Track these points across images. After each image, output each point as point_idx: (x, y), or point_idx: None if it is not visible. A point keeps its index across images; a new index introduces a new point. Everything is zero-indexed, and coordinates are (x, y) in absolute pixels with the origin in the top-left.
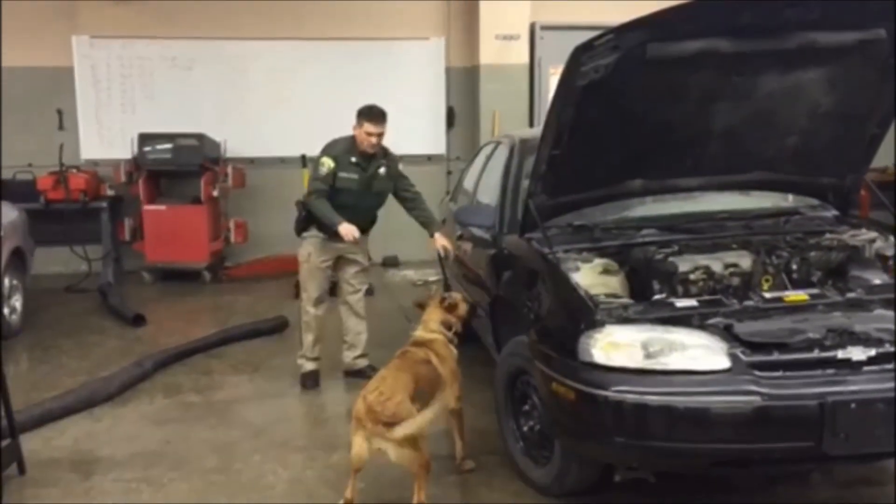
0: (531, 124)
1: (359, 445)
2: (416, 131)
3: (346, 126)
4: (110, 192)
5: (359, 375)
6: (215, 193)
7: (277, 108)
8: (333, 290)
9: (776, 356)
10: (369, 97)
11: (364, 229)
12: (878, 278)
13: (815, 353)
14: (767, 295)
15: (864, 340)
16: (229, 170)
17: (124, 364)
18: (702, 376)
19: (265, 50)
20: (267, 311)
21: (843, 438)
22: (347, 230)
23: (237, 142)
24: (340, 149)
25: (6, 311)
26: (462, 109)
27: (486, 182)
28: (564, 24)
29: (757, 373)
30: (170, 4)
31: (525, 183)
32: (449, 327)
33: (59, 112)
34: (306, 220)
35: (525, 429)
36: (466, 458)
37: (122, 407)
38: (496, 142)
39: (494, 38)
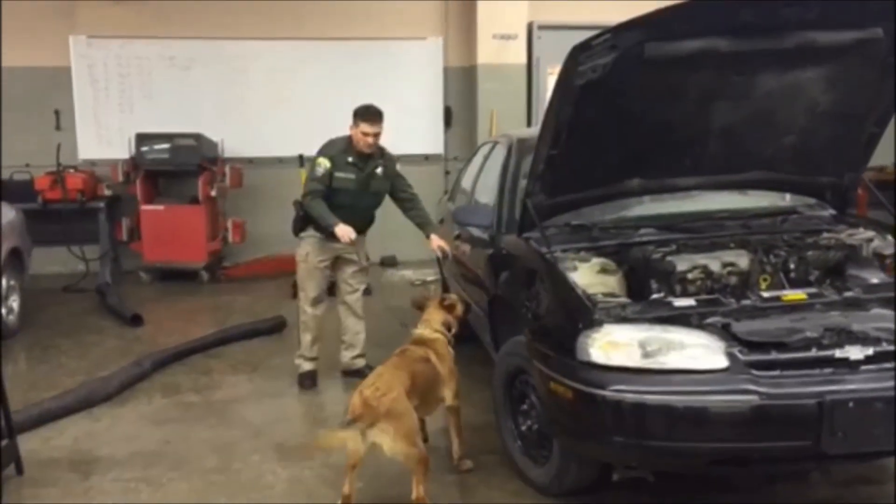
0: (529, 124)
1: (353, 438)
2: (413, 131)
3: (343, 126)
4: (108, 192)
5: (357, 375)
6: (213, 193)
7: (275, 107)
8: (331, 289)
9: (774, 355)
10: (367, 97)
11: (361, 229)
12: (875, 277)
13: (813, 353)
14: (765, 294)
15: (862, 339)
16: (227, 170)
17: (123, 364)
18: (700, 375)
19: (263, 50)
20: (265, 311)
21: (841, 437)
22: (344, 232)
23: (235, 141)
24: (337, 149)
25: (4, 311)
26: (460, 109)
27: (483, 182)
28: (562, 23)
29: (755, 372)
30: (168, 4)
31: (523, 183)
32: (449, 328)
33: (57, 112)
34: (304, 220)
35: (523, 428)
36: (464, 457)
37: (120, 407)
38: (494, 141)
39: (492, 37)
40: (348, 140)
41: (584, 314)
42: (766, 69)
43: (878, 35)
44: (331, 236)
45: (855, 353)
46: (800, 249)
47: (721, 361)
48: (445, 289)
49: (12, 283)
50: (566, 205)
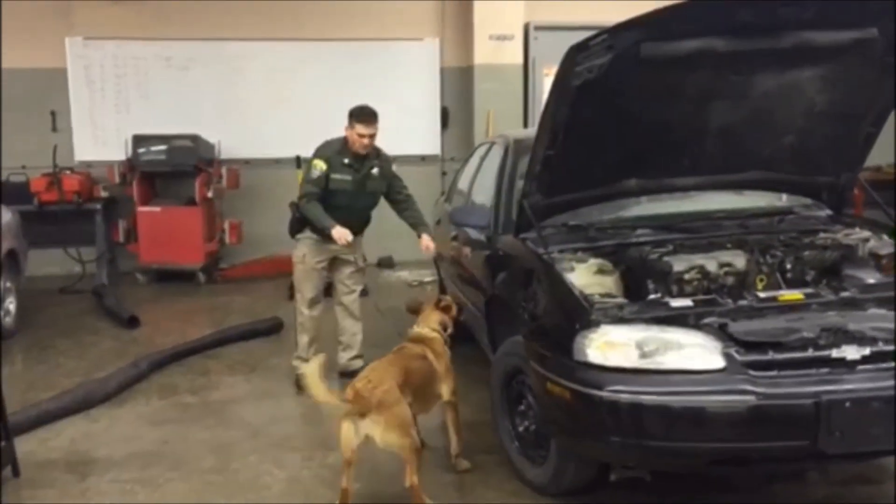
0: (525, 125)
1: (346, 430)
2: (410, 132)
3: (340, 127)
4: (104, 194)
5: (354, 376)
6: (210, 194)
7: (272, 108)
8: (328, 290)
9: (771, 355)
10: (364, 98)
11: (358, 230)
12: (871, 277)
13: (810, 353)
14: (762, 294)
15: (859, 339)
16: (224, 171)
17: (120, 365)
18: (697, 376)
19: (259, 50)
20: (262, 312)
21: (838, 437)
22: (340, 234)
23: (232, 143)
24: (332, 150)
25: (0, 313)
26: (456, 110)
27: (480, 182)
28: (558, 24)
29: (752, 372)
30: (165, 5)
31: (520, 183)
32: (445, 327)
33: (53, 113)
34: (300, 221)
35: (521, 429)
36: (461, 456)
37: (118, 408)
38: (491, 142)
39: (488, 38)
40: (343, 141)
41: (581, 315)
42: (762, 69)
43: (874, 35)
44: (327, 237)
45: (852, 352)
46: (796, 249)
47: (718, 362)
48: (443, 290)
49: (8, 284)
50: (563, 205)
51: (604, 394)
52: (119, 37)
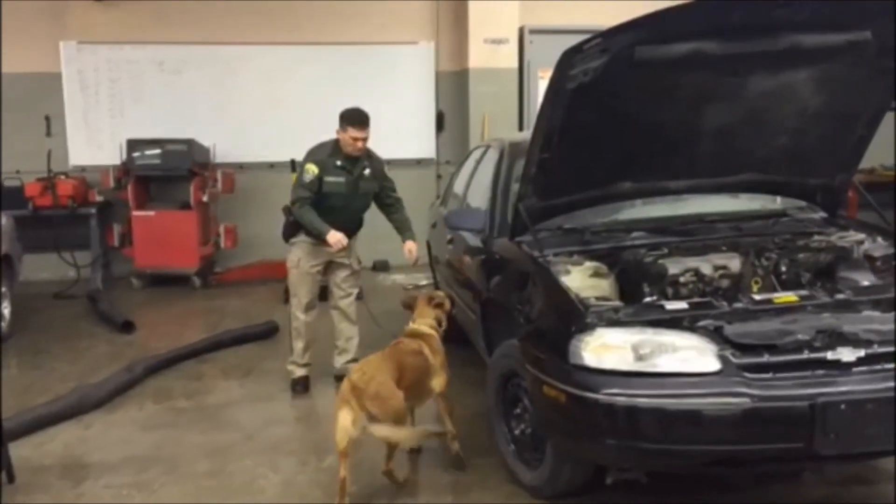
0: (521, 128)
1: (343, 420)
2: (405, 135)
3: (335, 131)
4: (99, 198)
5: None
6: (205, 198)
7: (266, 112)
8: (323, 294)
9: (766, 358)
10: (359, 101)
11: (352, 233)
12: (866, 279)
13: (805, 355)
14: (757, 297)
15: (854, 341)
16: (219, 175)
17: (114, 369)
18: (692, 378)
19: (254, 54)
20: (257, 316)
21: (833, 438)
22: (336, 239)
23: (226, 146)
24: (324, 154)
25: None
26: (452, 113)
27: (476, 186)
28: (553, 27)
29: (747, 374)
30: (158, 8)
31: (515, 186)
32: (439, 323)
33: (47, 118)
34: (294, 225)
35: (517, 432)
36: (456, 438)
37: (112, 413)
38: (486, 145)
39: (483, 41)
40: (335, 144)
41: (576, 318)
42: (756, 72)
43: (867, 38)
44: (322, 241)
45: (847, 354)
46: (791, 252)
47: (713, 364)
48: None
49: (3, 289)
50: (558, 208)
51: (599, 396)
52: (113, 41)
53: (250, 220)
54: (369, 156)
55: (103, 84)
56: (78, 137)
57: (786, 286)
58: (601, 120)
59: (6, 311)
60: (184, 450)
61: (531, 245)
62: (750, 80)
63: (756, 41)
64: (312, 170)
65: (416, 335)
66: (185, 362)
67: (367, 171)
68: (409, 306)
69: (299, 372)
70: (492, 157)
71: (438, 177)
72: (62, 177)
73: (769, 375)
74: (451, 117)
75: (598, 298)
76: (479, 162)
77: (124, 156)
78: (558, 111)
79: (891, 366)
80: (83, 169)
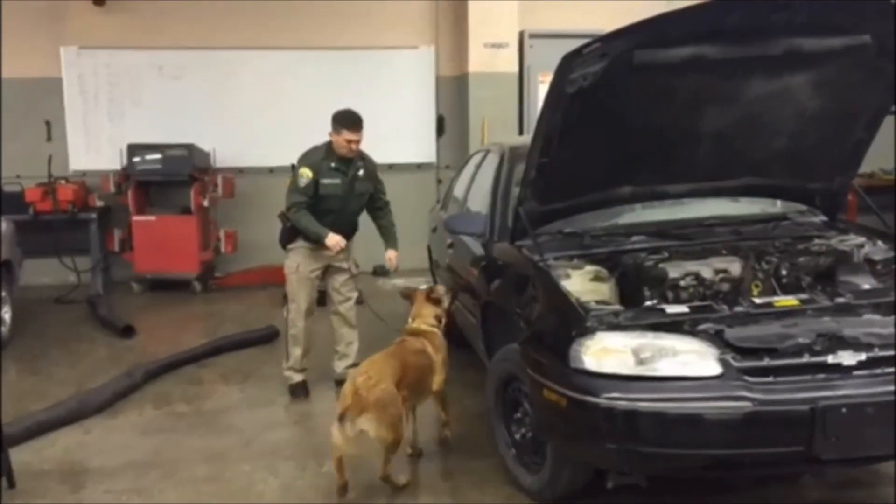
0: (521, 132)
1: (338, 431)
2: (405, 139)
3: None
4: (99, 203)
5: None
6: (205, 203)
7: (266, 116)
8: (321, 300)
9: (767, 361)
10: (359, 106)
11: (349, 236)
12: (867, 283)
13: (806, 358)
14: (757, 300)
15: (854, 345)
16: (219, 179)
17: (114, 374)
18: (693, 382)
19: (254, 59)
20: (257, 321)
21: (834, 442)
22: (335, 241)
23: (226, 151)
24: (318, 157)
25: None
26: (452, 117)
27: (476, 190)
28: (553, 32)
29: (748, 378)
30: (156, 13)
31: (515, 191)
32: (439, 319)
33: (48, 123)
34: (292, 231)
35: (517, 436)
36: (450, 424)
37: (112, 418)
38: (486, 150)
39: (483, 45)
40: (327, 146)
41: (576, 321)
42: (756, 76)
43: (865, 41)
44: (321, 245)
45: (847, 358)
46: (791, 255)
47: (714, 368)
48: None
49: (3, 294)
50: (558, 212)
51: (600, 400)
52: (112, 46)
53: (250, 225)
54: (362, 157)
55: (103, 89)
56: (78, 142)
57: (786, 290)
58: (601, 124)
59: (7, 316)
60: (183, 455)
61: (531, 249)
62: (749, 84)
63: (755, 45)
64: (307, 174)
65: (419, 333)
66: (184, 367)
67: (361, 172)
68: (409, 297)
69: (298, 377)
70: (492, 161)
71: (439, 181)
72: (63, 182)
73: (770, 379)
74: (451, 121)
75: (598, 302)
76: (479, 166)
77: (124, 160)
78: (558, 115)
79: (891, 369)
80: (83, 174)
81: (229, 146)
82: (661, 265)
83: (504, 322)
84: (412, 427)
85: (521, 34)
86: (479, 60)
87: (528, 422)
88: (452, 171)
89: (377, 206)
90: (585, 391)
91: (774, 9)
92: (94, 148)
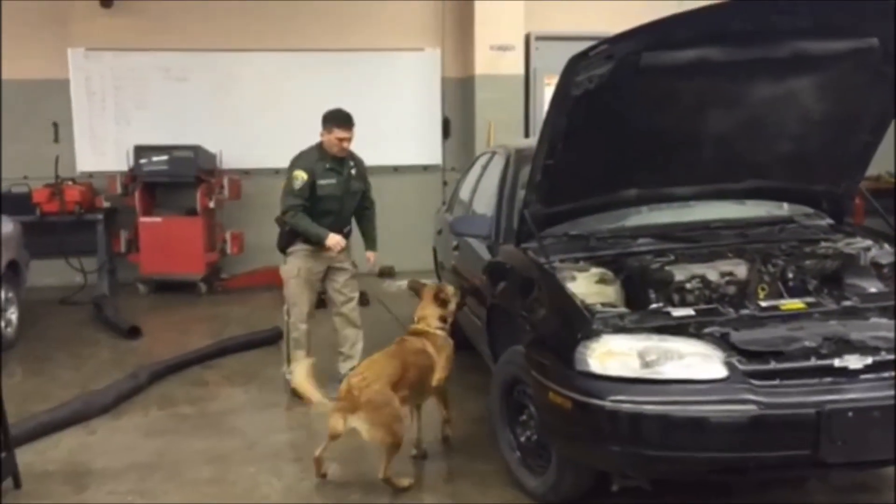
0: (527, 134)
1: (335, 420)
2: (411, 141)
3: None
4: (106, 204)
5: None
6: (211, 205)
7: (272, 119)
8: (321, 303)
9: (773, 365)
10: (365, 108)
11: (346, 235)
12: (873, 286)
13: (812, 362)
14: (763, 303)
15: (861, 349)
16: (225, 181)
17: (118, 376)
18: (698, 385)
19: (260, 61)
20: (261, 323)
21: (840, 446)
22: (335, 241)
23: (232, 153)
24: (312, 159)
25: (2, 323)
26: (457, 120)
27: (481, 192)
28: (559, 34)
29: (754, 381)
30: (164, 15)
31: (521, 193)
32: (444, 320)
33: (55, 124)
34: (290, 234)
35: (522, 439)
36: (450, 422)
37: (116, 419)
38: (492, 152)
39: (489, 48)
40: (319, 147)
41: (582, 324)
42: (762, 78)
43: (872, 44)
44: (321, 247)
45: (854, 362)
46: (797, 258)
47: (720, 371)
48: None
49: (10, 295)
50: (564, 215)
51: (605, 403)
52: (119, 47)
53: (255, 227)
54: (352, 156)
55: (110, 90)
56: (85, 143)
57: (792, 293)
58: (607, 126)
59: (13, 317)
60: (187, 456)
61: (537, 251)
62: (755, 87)
63: (762, 48)
64: (301, 176)
65: (420, 333)
66: (189, 368)
67: (353, 171)
68: (417, 291)
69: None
70: (497, 163)
71: (444, 183)
72: (69, 183)
73: (776, 382)
74: (456, 124)
75: (603, 305)
76: (484, 168)
77: (131, 162)
78: (564, 117)
79: None
80: (90, 175)
81: (235, 148)
82: (666, 268)
83: (509, 324)
84: (417, 426)
85: (527, 36)
86: (485, 62)
87: (532, 424)
88: (458, 173)
89: (364, 206)
90: (590, 394)
91: (781, 11)
92: (100, 149)
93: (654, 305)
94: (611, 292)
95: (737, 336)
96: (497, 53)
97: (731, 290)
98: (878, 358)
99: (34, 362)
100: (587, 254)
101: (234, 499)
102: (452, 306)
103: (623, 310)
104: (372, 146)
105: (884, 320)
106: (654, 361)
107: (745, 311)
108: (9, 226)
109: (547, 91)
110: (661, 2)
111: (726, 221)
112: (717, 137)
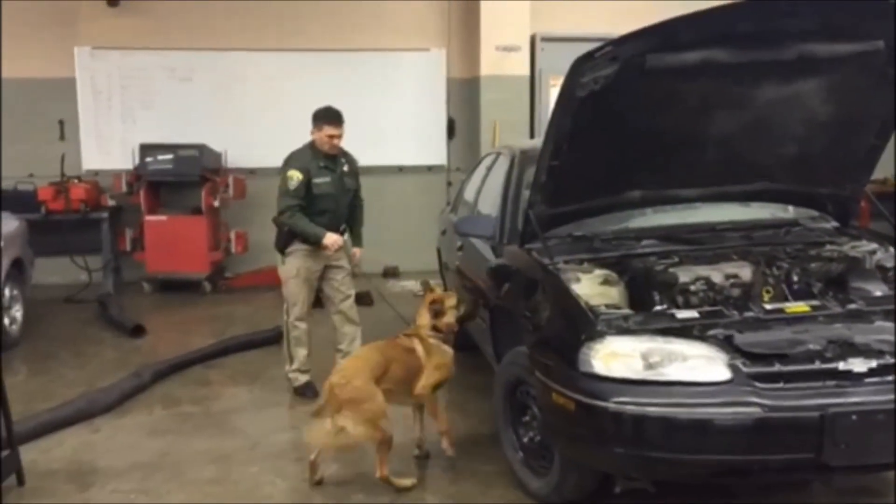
0: (532, 135)
1: (318, 426)
2: (416, 142)
3: (349, 137)
4: (111, 203)
5: None
6: (216, 204)
7: (277, 118)
8: (317, 302)
9: (777, 367)
10: (370, 108)
11: (342, 233)
12: (878, 290)
13: (816, 365)
14: (768, 306)
15: (865, 352)
16: (230, 180)
17: (122, 375)
18: (702, 387)
19: (266, 61)
20: (265, 322)
21: (843, 449)
22: (333, 241)
23: (237, 152)
24: (306, 158)
25: (6, 321)
26: (462, 120)
27: (486, 193)
28: (565, 35)
29: (758, 384)
30: (170, 15)
31: (525, 194)
32: (438, 329)
33: (61, 122)
34: (288, 235)
35: (525, 440)
36: (447, 433)
37: (120, 418)
38: (497, 153)
39: (495, 49)
40: (311, 146)
41: (586, 325)
42: (767, 80)
43: (878, 47)
44: (319, 245)
45: (858, 365)
46: (802, 261)
47: (724, 373)
48: None
49: (15, 292)
50: (568, 216)
51: (608, 405)
52: (124, 47)
53: (259, 226)
54: (344, 154)
55: (115, 89)
56: (91, 142)
57: (797, 296)
58: (612, 128)
59: (18, 315)
60: (191, 455)
61: (541, 252)
62: (761, 89)
63: (767, 50)
64: (296, 176)
65: (413, 334)
66: (192, 367)
67: (346, 168)
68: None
69: (304, 378)
70: (502, 164)
71: (449, 183)
72: (75, 181)
73: (780, 385)
74: (462, 124)
75: (607, 306)
76: (489, 169)
77: (136, 160)
78: (569, 119)
79: None
80: (96, 173)
81: (241, 147)
82: (671, 269)
83: (513, 325)
84: (420, 426)
85: (533, 37)
86: (490, 63)
87: (535, 425)
88: (463, 173)
89: (355, 204)
90: (594, 395)
91: (786, 13)
92: (106, 148)
93: (658, 307)
94: (615, 294)
95: (741, 338)
96: (503, 54)
97: (736, 292)
98: (882, 361)
99: (38, 360)
100: (591, 255)
101: (237, 498)
102: (450, 318)
103: (627, 311)
104: (377, 146)
105: (889, 324)
106: (657, 363)
107: (749, 314)
108: (14, 223)
109: (552, 92)
110: (666, 3)
111: (731, 223)
112: (722, 139)
